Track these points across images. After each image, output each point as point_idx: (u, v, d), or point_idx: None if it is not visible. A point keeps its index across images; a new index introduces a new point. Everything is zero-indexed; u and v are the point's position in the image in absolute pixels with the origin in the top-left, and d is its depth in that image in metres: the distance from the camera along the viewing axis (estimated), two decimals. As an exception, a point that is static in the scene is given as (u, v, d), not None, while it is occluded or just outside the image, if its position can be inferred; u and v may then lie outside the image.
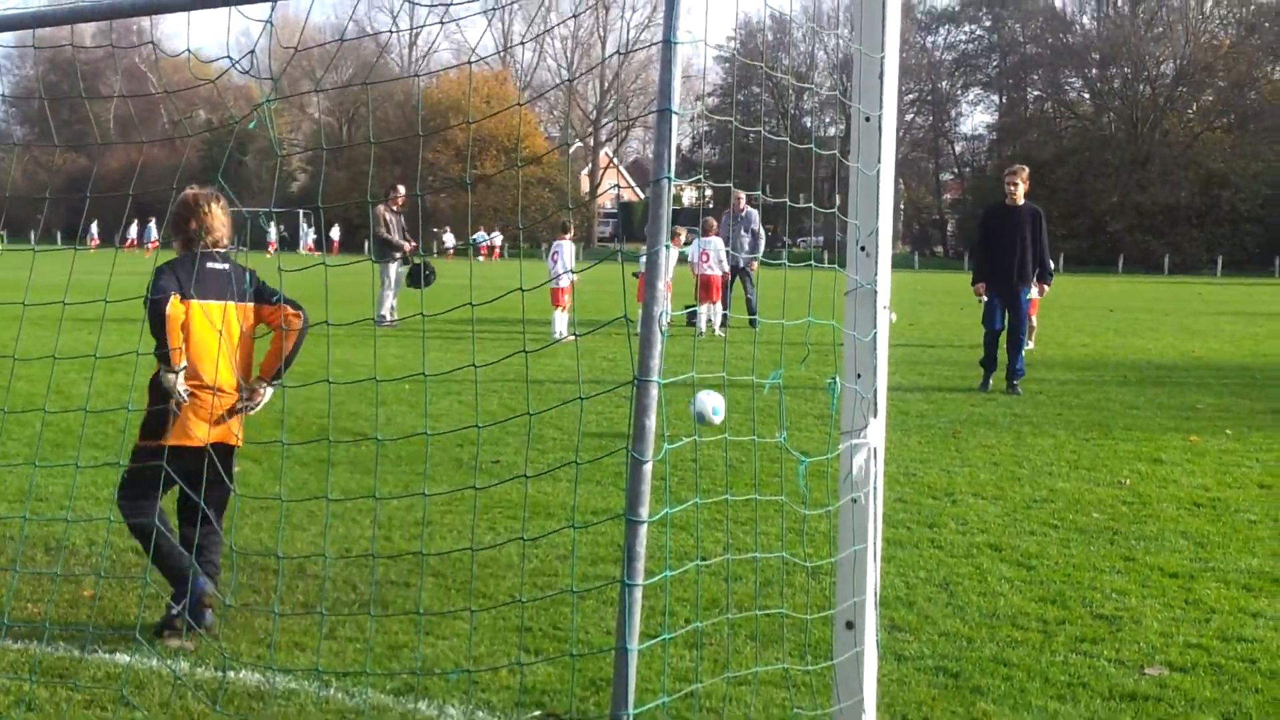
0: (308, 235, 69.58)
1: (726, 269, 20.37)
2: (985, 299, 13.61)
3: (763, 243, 21.63)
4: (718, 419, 8.20)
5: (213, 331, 5.33)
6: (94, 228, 61.55)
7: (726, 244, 20.44)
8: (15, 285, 5.46)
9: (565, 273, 17.55)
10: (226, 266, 5.49)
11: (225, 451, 5.38)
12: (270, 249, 56.17)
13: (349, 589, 6.02)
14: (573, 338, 17.20)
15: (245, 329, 5.49)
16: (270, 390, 5.50)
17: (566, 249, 18.93)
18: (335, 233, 70.29)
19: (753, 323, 20.35)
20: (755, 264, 21.31)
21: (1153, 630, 5.51)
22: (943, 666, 5.04)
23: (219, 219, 5.52)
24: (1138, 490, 8.43)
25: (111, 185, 58.82)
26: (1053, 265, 14.48)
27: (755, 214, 21.21)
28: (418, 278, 19.26)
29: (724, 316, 20.15)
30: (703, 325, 19.64)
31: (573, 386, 12.99)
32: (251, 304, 5.50)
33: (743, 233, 21.10)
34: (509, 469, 8.75)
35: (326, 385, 4.57)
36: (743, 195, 21.03)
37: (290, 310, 5.48)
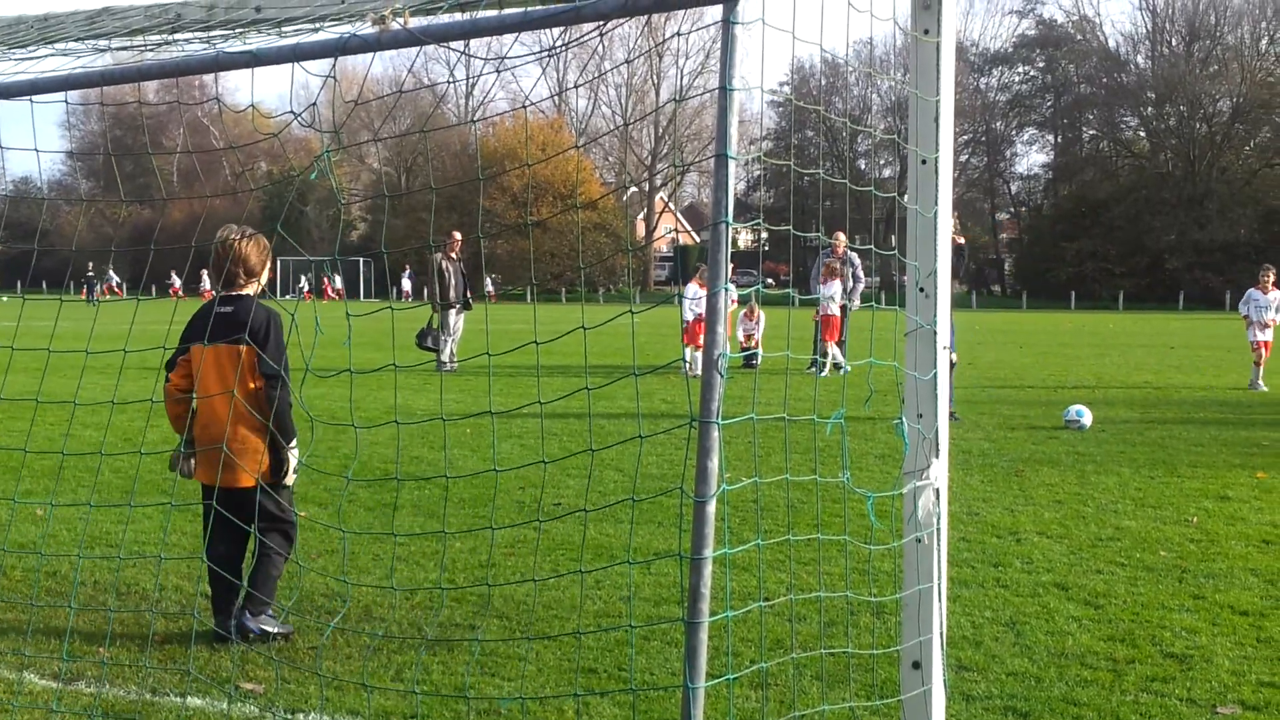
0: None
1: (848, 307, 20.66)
2: None
3: (863, 285, 21.59)
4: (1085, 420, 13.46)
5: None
6: (175, 278, 62.23)
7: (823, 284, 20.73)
8: (77, 336, 5.60)
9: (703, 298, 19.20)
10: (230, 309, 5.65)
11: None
12: (326, 296, 56.75)
13: (414, 631, 6.08)
14: (688, 373, 18.69)
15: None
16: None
17: (692, 290, 20.08)
18: (406, 283, 71.11)
19: (837, 367, 20.37)
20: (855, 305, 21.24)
21: (1224, 669, 5.44)
22: (1011, 706, 5.01)
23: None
24: (1205, 528, 8.34)
25: (175, 236, 59.74)
26: None
27: (856, 257, 21.23)
28: (424, 338, 19.76)
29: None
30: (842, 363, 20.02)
31: (634, 427, 13.04)
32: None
33: (849, 275, 21.16)
34: (571, 511, 8.79)
35: (392, 427, 4.65)
36: (842, 238, 21.12)
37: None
